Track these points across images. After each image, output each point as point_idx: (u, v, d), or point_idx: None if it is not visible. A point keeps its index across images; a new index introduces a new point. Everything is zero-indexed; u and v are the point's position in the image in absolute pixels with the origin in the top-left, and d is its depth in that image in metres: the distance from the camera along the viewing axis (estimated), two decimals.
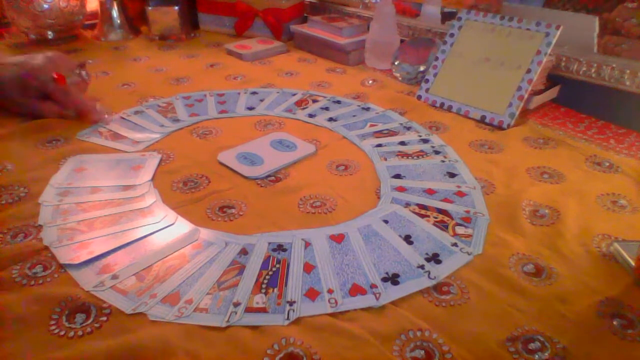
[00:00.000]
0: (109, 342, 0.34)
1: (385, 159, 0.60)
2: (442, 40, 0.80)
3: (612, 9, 0.79)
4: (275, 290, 0.40)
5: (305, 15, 1.13)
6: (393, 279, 0.41)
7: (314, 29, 1.00)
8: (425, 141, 0.64)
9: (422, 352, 0.35)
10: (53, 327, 0.36)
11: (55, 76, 0.63)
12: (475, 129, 0.69)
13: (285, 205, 0.51)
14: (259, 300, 0.39)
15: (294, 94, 0.79)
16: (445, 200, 0.52)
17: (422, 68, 0.83)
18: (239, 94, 0.79)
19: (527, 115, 0.72)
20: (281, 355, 0.34)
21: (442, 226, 0.48)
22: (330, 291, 0.40)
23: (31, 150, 0.60)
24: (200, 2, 1.12)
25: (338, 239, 0.46)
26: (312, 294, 0.39)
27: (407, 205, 0.51)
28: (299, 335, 0.36)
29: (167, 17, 1.06)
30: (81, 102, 0.65)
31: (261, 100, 0.77)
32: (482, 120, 0.70)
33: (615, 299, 0.39)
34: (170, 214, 0.49)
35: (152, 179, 0.55)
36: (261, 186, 0.54)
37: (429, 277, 0.41)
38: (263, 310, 0.38)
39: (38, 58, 0.63)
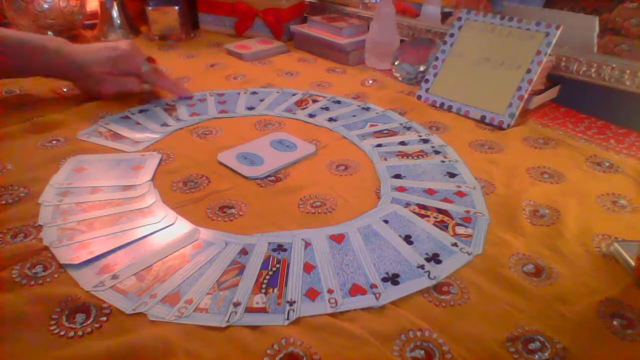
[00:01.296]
0: (109, 342, 0.34)
1: (385, 159, 0.60)
2: (442, 40, 0.80)
3: (611, 9, 0.79)
4: (275, 290, 0.40)
5: (305, 15, 1.13)
6: (393, 279, 0.41)
7: (314, 29, 1.00)
8: (425, 141, 0.64)
9: (422, 352, 0.35)
10: (53, 327, 0.36)
11: (149, 58, 0.74)
12: (475, 129, 0.69)
13: (285, 205, 0.51)
14: (259, 300, 0.39)
15: (294, 94, 0.79)
16: (445, 200, 0.52)
17: (422, 68, 0.83)
18: (239, 94, 0.79)
19: (527, 115, 0.72)
20: (281, 355, 0.34)
21: (442, 226, 0.48)
22: (330, 291, 0.40)
23: (31, 150, 0.60)
24: (200, 2, 1.12)
25: (338, 239, 0.46)
26: (312, 294, 0.39)
27: (407, 205, 0.51)
28: (299, 335, 0.36)
29: (167, 17, 1.06)
30: (172, 79, 0.76)
31: (261, 100, 0.77)
32: (482, 120, 0.70)
33: (615, 299, 0.39)
34: (170, 214, 0.49)
35: (152, 179, 0.55)
36: (261, 186, 0.54)
37: (429, 277, 0.41)
38: (263, 310, 0.38)
39: (124, 44, 0.72)
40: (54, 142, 0.62)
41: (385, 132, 0.67)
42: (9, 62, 0.67)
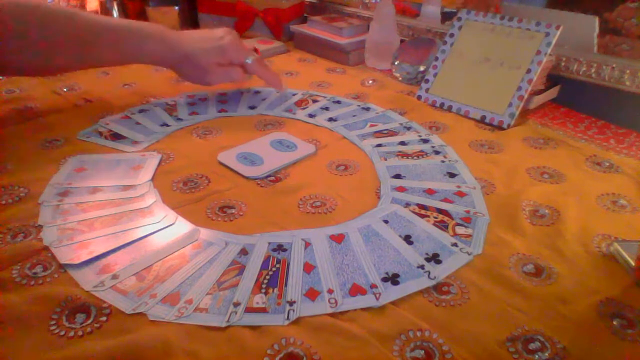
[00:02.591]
0: (109, 342, 0.34)
1: (385, 159, 0.60)
2: (442, 40, 0.80)
3: (612, 8, 0.79)
4: (275, 290, 0.40)
5: (305, 15, 1.13)
6: (393, 279, 0.41)
7: (314, 29, 1.00)
8: (425, 141, 0.64)
9: (422, 352, 0.35)
10: (53, 327, 0.36)
11: (255, 49, 0.76)
12: (475, 129, 0.69)
13: (285, 205, 0.51)
14: (259, 300, 0.39)
15: (294, 94, 0.79)
16: (445, 200, 0.52)
17: (422, 68, 0.83)
18: (241, 93, 0.79)
19: (527, 115, 0.72)
20: (281, 355, 0.34)
21: (442, 226, 0.48)
22: (330, 291, 0.40)
23: (31, 150, 0.60)
24: (200, 2, 1.12)
25: (338, 239, 0.46)
26: (312, 294, 0.39)
27: (407, 205, 0.51)
28: (299, 335, 0.36)
29: (167, 17, 1.06)
30: (272, 71, 0.76)
31: (262, 100, 0.77)
32: (482, 120, 0.70)
33: (615, 299, 0.39)
34: (170, 214, 0.49)
35: (152, 179, 0.55)
36: (261, 186, 0.54)
37: (429, 277, 0.41)
38: (263, 310, 0.38)
39: (227, 33, 0.71)
40: (53, 142, 0.62)
41: (385, 132, 0.67)
42: (106, 50, 0.66)
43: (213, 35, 0.71)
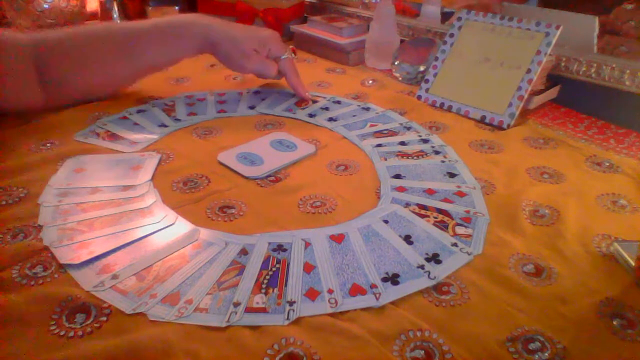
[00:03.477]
0: (109, 342, 0.34)
1: (385, 159, 0.60)
2: (442, 40, 0.80)
3: (609, 11, 0.79)
4: (275, 290, 0.40)
5: (305, 15, 1.13)
6: (393, 279, 0.41)
7: (314, 29, 1.00)
8: (425, 141, 0.64)
9: (422, 352, 0.35)
10: (53, 327, 0.36)
11: (292, 48, 0.77)
12: (475, 129, 0.69)
13: (285, 205, 0.51)
14: (259, 300, 0.39)
15: (294, 94, 0.79)
16: (445, 200, 0.52)
17: (422, 68, 0.83)
18: (240, 93, 0.79)
19: (527, 115, 0.72)
20: (281, 355, 0.34)
21: (442, 226, 0.48)
22: (330, 291, 0.40)
23: (30, 151, 0.60)
24: (200, 2, 1.12)
25: (338, 239, 0.46)
26: (312, 294, 0.39)
27: (407, 205, 0.51)
28: (299, 335, 0.36)
29: None
30: (300, 77, 0.78)
31: (262, 100, 0.77)
32: (482, 120, 0.70)
33: (615, 299, 0.39)
34: (170, 214, 0.49)
35: (152, 179, 0.55)
36: (261, 186, 0.54)
37: (429, 277, 0.41)
38: (263, 310, 0.38)
39: (270, 29, 0.75)
40: (52, 143, 0.62)
41: (385, 132, 0.67)
42: (151, 49, 0.68)
43: (253, 28, 0.74)
